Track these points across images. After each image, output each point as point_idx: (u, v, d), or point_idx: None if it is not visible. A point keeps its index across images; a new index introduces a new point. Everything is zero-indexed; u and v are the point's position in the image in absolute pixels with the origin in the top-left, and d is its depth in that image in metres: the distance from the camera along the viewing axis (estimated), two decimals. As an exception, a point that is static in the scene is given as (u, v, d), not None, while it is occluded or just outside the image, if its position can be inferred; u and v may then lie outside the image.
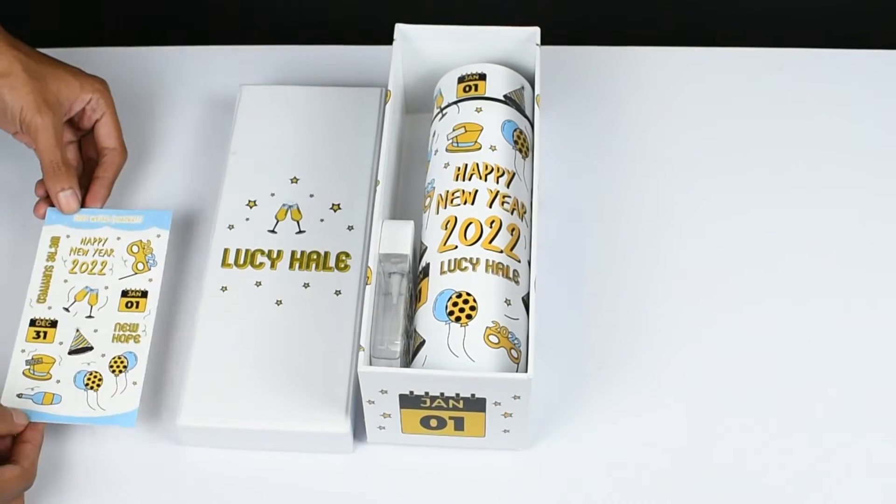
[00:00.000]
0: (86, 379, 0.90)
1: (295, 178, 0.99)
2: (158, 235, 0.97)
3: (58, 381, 0.90)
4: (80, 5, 1.30)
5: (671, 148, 1.05)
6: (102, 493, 0.88)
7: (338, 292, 0.93)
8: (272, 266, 0.94)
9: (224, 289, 0.93)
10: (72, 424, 0.90)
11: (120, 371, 0.91)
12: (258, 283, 0.93)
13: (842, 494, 0.88)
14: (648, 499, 0.88)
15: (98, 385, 0.90)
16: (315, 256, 0.95)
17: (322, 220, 0.96)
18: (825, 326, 0.95)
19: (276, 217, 0.97)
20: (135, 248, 0.96)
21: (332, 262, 0.94)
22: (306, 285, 0.93)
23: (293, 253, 0.95)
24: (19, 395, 0.90)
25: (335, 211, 0.97)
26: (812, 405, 0.91)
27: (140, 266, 0.96)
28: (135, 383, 0.89)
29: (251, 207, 0.97)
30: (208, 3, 1.31)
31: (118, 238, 0.97)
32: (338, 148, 1.00)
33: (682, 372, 0.93)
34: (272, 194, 0.98)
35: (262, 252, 0.95)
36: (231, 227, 0.96)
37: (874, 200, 1.01)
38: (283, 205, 0.97)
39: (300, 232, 0.96)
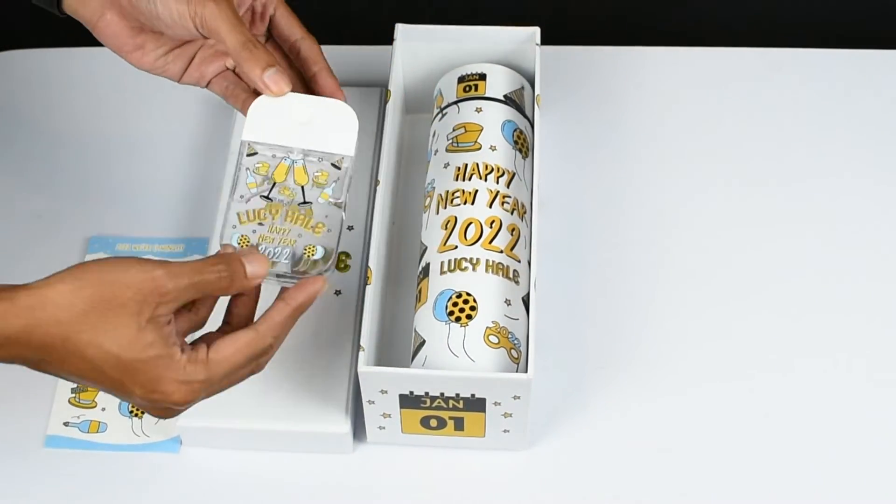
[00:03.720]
0: (130, 406, 0.91)
1: (295, 178, 0.99)
2: None
3: (103, 409, 0.91)
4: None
5: (671, 148, 1.05)
6: (102, 492, 0.88)
7: (338, 292, 0.93)
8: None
9: (224, 289, 0.93)
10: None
11: None
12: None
13: (849, 497, 0.88)
14: (649, 499, 0.88)
15: (142, 412, 0.91)
16: (315, 256, 0.95)
17: (322, 220, 0.96)
18: (827, 324, 0.95)
19: (276, 217, 0.96)
20: None
21: (332, 262, 0.94)
22: (306, 285, 0.93)
23: (293, 253, 0.95)
24: (66, 424, 0.90)
25: (335, 211, 0.97)
26: (816, 404, 0.91)
27: None
28: None
29: (251, 207, 0.97)
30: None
31: None
32: (338, 148, 1.00)
33: (683, 371, 0.93)
34: (272, 194, 0.98)
35: (262, 252, 0.95)
36: (232, 227, 0.96)
37: (875, 200, 1.01)
38: (283, 205, 0.97)
39: (300, 232, 0.96)
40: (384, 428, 0.87)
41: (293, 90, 0.81)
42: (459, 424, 0.86)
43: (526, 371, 0.83)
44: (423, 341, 0.85)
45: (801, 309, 0.96)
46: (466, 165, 0.92)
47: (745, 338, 0.94)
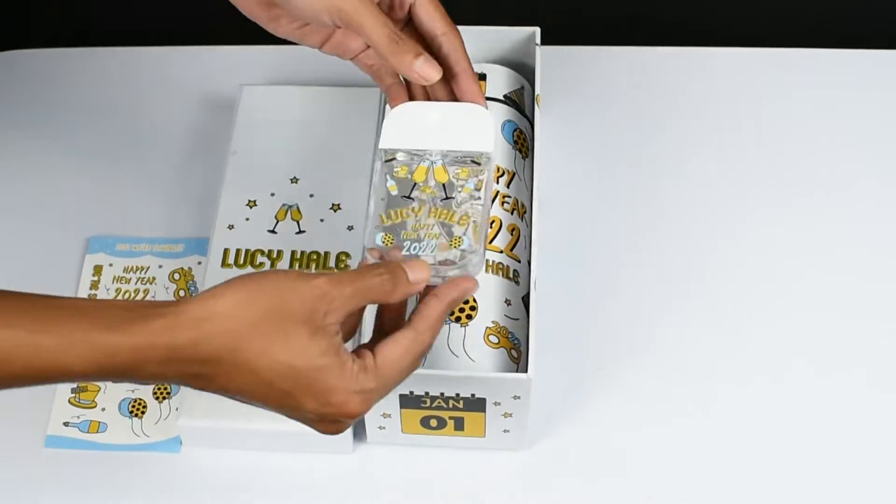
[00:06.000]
0: (130, 406, 0.91)
1: (295, 178, 0.99)
2: (199, 262, 0.97)
3: (103, 409, 0.91)
4: (80, 5, 1.30)
5: (671, 148, 1.05)
6: (102, 492, 0.88)
7: (338, 292, 0.93)
8: (272, 266, 0.94)
9: (224, 289, 0.93)
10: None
11: (164, 398, 0.91)
12: (258, 283, 0.93)
13: (851, 498, 0.88)
14: (649, 499, 0.88)
15: (142, 412, 0.91)
16: (315, 256, 0.95)
17: (322, 220, 0.96)
18: (831, 325, 0.95)
19: (276, 217, 0.97)
20: (176, 276, 0.97)
21: (332, 262, 0.94)
22: (306, 285, 0.93)
23: (293, 253, 0.95)
24: (66, 424, 0.90)
25: (335, 211, 0.97)
26: (819, 406, 0.91)
27: (182, 293, 0.96)
28: (177, 409, 0.88)
29: (251, 207, 0.97)
30: (208, 3, 1.31)
31: (160, 266, 0.97)
32: (338, 148, 1.00)
33: (683, 371, 0.93)
34: (272, 194, 0.98)
35: (262, 252, 0.95)
36: (231, 227, 0.96)
37: (875, 201, 1.01)
38: (283, 205, 0.97)
39: (300, 232, 0.96)
40: (384, 428, 0.87)
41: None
42: (459, 424, 0.86)
43: (526, 371, 0.83)
44: (423, 341, 0.85)
45: (804, 309, 0.96)
46: (466, 165, 0.92)
47: (747, 338, 0.94)
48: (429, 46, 0.80)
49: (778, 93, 1.08)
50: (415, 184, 0.77)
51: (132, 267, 0.98)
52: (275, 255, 0.95)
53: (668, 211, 1.01)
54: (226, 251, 0.95)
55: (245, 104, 1.03)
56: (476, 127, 0.78)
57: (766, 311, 0.96)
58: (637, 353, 0.94)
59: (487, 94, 0.95)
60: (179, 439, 0.89)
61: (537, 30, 0.98)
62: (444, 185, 0.77)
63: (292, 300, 0.67)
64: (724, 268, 0.98)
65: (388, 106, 0.81)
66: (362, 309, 0.73)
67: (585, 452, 0.90)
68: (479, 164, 0.78)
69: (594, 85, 1.09)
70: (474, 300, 0.85)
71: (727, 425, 0.90)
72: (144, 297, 0.96)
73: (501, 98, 0.95)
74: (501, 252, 0.88)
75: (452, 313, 0.85)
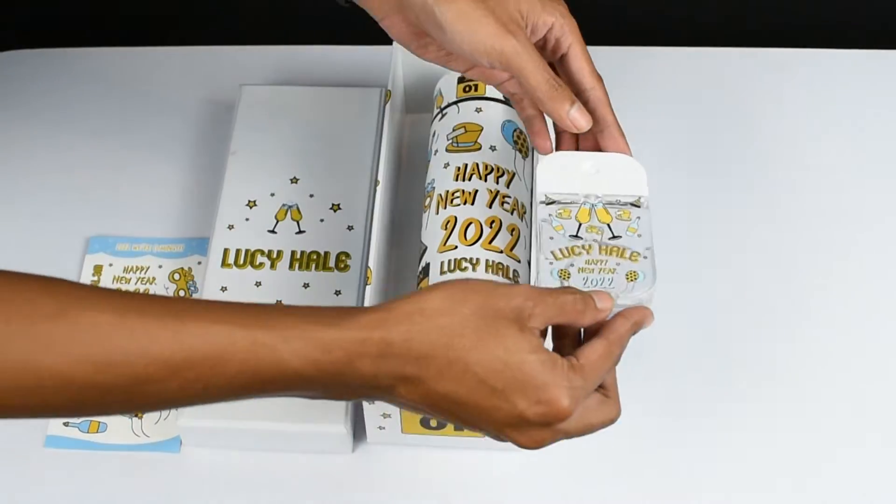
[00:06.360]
0: None
1: (295, 178, 0.99)
2: (199, 262, 0.97)
3: None
4: (80, 4, 1.30)
5: (671, 147, 1.05)
6: (102, 492, 0.88)
7: (338, 292, 0.93)
8: (272, 266, 0.94)
9: (224, 289, 0.93)
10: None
11: None
12: (258, 284, 0.93)
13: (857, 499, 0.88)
14: (649, 499, 0.88)
15: (142, 412, 0.90)
16: (315, 256, 0.95)
17: (322, 220, 0.96)
18: (831, 327, 0.95)
19: (275, 217, 0.97)
20: (176, 276, 0.97)
21: (332, 263, 0.94)
22: (306, 285, 0.93)
23: (293, 253, 0.95)
24: (66, 424, 0.90)
25: (335, 211, 0.97)
26: (822, 408, 0.91)
27: (182, 293, 0.96)
28: (177, 409, 0.88)
29: (251, 207, 0.97)
30: (208, 3, 1.31)
31: (160, 266, 0.98)
32: (338, 148, 1.01)
33: (685, 372, 0.93)
34: (272, 194, 0.98)
35: (262, 252, 0.95)
36: (231, 227, 0.96)
37: (876, 200, 1.02)
38: (283, 205, 0.97)
39: (300, 232, 0.96)
40: (384, 428, 0.87)
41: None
42: (459, 424, 0.86)
43: (526, 371, 0.83)
44: (423, 341, 0.85)
45: (809, 308, 0.96)
46: (466, 165, 0.92)
47: (746, 338, 0.94)
48: (576, 94, 0.81)
49: (777, 93, 1.08)
50: (580, 224, 0.80)
51: (132, 267, 0.98)
52: (275, 255, 0.95)
53: (668, 210, 1.01)
54: (226, 251, 0.95)
55: (245, 104, 1.03)
56: (628, 174, 0.82)
57: (768, 311, 0.96)
58: (637, 353, 0.93)
59: (487, 95, 0.95)
60: (179, 439, 0.89)
61: (537, 30, 0.98)
62: (608, 224, 0.80)
63: (500, 299, 0.68)
64: (726, 266, 0.98)
65: (533, 148, 0.84)
66: (545, 331, 0.73)
67: (585, 452, 0.89)
68: (638, 206, 0.81)
69: (594, 85, 1.09)
70: (474, 300, 0.85)
71: (728, 427, 0.90)
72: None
73: (501, 98, 0.95)
74: (501, 252, 0.88)
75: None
